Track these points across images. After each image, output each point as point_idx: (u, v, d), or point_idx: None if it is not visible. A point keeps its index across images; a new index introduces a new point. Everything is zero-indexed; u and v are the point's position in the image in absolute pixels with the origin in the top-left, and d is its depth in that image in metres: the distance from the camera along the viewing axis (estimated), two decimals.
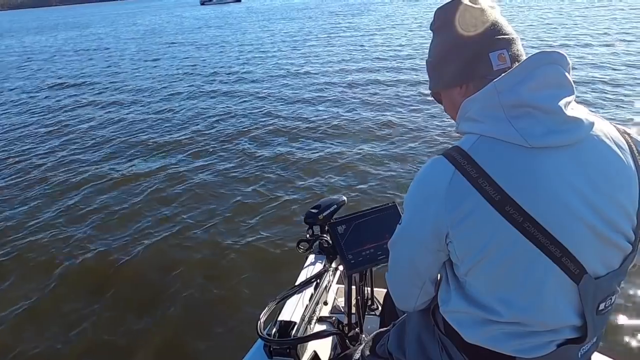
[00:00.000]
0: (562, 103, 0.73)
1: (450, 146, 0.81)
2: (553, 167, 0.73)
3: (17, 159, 6.17)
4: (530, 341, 0.79)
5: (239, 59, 13.60)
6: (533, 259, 0.74)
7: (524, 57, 0.83)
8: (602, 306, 0.79)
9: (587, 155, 0.75)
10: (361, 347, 1.23)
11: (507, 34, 0.84)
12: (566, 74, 0.76)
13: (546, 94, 0.73)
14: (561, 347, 0.80)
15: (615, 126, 0.82)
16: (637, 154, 0.80)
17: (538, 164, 0.73)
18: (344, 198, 1.66)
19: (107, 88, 10.77)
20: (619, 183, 0.77)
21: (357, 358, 1.19)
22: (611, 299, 0.81)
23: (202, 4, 66.70)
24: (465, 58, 0.84)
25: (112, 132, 7.18)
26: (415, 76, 8.85)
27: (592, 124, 0.76)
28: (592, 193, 0.74)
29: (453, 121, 0.90)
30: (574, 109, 0.76)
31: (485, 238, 0.75)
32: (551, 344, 0.80)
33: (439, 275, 0.93)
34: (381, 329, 1.25)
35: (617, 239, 0.77)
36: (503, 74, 0.77)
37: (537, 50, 0.77)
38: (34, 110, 9.14)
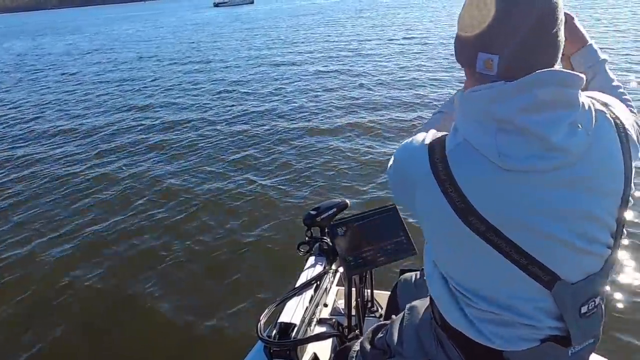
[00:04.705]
0: (554, 128, 0.69)
1: (447, 134, 0.80)
2: (527, 187, 0.71)
3: None
4: (509, 331, 0.80)
5: (243, 62, 13.63)
6: (497, 264, 0.74)
7: (527, 73, 0.70)
8: (584, 309, 0.78)
9: (572, 172, 0.72)
10: (360, 339, 1.24)
11: (520, 39, 0.71)
12: (569, 92, 0.71)
13: (538, 118, 0.69)
14: (546, 344, 0.79)
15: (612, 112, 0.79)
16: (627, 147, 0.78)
17: (511, 184, 0.71)
18: (347, 201, 1.65)
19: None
20: (604, 192, 0.75)
21: (356, 350, 1.20)
22: (594, 301, 0.79)
23: (216, 5, 67.32)
24: (466, 40, 0.78)
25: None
26: (417, 79, 8.86)
27: (588, 144, 0.72)
28: (569, 211, 0.72)
29: None
30: (570, 130, 0.71)
31: (449, 237, 0.78)
32: (533, 338, 0.79)
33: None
34: (381, 322, 1.25)
35: (595, 249, 0.76)
36: (501, 86, 0.71)
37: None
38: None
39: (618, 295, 2.73)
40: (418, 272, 1.47)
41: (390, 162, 0.89)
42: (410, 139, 0.86)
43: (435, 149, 0.77)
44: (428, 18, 20.75)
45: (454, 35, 0.83)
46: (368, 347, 1.17)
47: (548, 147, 0.69)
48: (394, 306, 1.45)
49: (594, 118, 0.74)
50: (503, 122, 0.71)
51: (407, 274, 1.49)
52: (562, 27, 0.73)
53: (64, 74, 14.31)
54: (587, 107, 0.73)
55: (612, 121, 0.77)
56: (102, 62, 16.29)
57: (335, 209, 1.60)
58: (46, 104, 9.94)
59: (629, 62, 8.41)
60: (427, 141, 0.80)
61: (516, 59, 0.72)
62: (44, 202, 4.86)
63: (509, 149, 0.70)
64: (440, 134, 0.81)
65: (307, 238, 1.63)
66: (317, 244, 1.65)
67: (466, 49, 0.78)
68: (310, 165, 5.20)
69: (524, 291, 0.76)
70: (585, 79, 0.72)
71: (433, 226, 0.82)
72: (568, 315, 0.77)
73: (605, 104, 0.79)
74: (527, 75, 0.70)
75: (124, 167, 5.68)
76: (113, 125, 7.66)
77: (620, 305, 2.66)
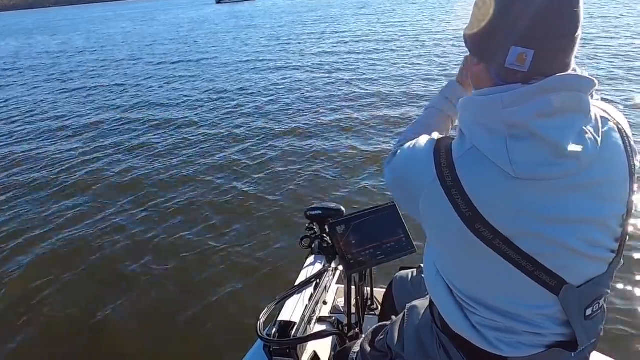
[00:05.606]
0: (565, 134, 0.68)
1: (451, 138, 0.78)
2: (535, 194, 0.70)
3: None
4: (515, 338, 0.79)
5: (239, 62, 13.60)
6: (503, 271, 0.74)
7: (553, 74, 0.68)
8: (589, 311, 0.78)
9: (580, 179, 0.71)
10: (360, 340, 1.23)
11: (557, 36, 0.67)
12: (581, 97, 0.69)
13: (551, 124, 0.68)
14: (552, 350, 0.79)
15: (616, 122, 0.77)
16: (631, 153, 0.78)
17: (519, 191, 0.70)
18: (342, 209, 1.66)
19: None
20: (610, 199, 0.75)
21: (356, 351, 1.19)
22: (599, 302, 0.79)
23: (218, 2, 67.56)
24: (495, 31, 0.71)
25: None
26: (415, 80, 8.84)
27: (597, 151, 0.71)
28: (576, 217, 0.72)
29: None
30: (579, 137, 0.70)
31: (454, 245, 0.77)
32: (539, 344, 0.79)
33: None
34: (380, 323, 1.25)
35: (599, 254, 0.76)
36: (519, 88, 0.69)
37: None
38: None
39: (616, 293, 2.73)
40: (414, 270, 1.47)
41: (390, 167, 0.87)
42: (412, 142, 0.84)
43: (442, 155, 0.75)
44: (427, 15, 20.69)
45: (466, 28, 0.78)
46: (368, 348, 1.17)
47: (559, 154, 0.68)
48: (390, 304, 1.45)
49: (600, 125, 0.73)
50: (515, 128, 0.69)
51: (403, 272, 1.49)
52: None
53: (56, 73, 14.18)
54: (593, 114, 0.72)
55: (616, 127, 0.77)
56: (97, 61, 16.19)
57: (320, 211, 1.64)
58: (36, 102, 9.84)
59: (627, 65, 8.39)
60: (432, 146, 0.78)
61: (548, 57, 0.68)
62: (24, 202, 4.82)
63: (519, 155, 0.68)
64: (443, 138, 0.80)
65: (306, 228, 1.66)
66: (317, 242, 1.66)
67: (494, 41, 0.71)
68: (308, 165, 5.19)
69: (529, 298, 0.76)
70: (595, 83, 0.70)
71: (438, 233, 0.81)
72: (574, 318, 0.77)
73: (604, 110, 0.79)
74: (547, 78, 0.68)
75: (109, 168, 5.64)
76: (102, 126, 7.58)
77: (618, 302, 2.66)
